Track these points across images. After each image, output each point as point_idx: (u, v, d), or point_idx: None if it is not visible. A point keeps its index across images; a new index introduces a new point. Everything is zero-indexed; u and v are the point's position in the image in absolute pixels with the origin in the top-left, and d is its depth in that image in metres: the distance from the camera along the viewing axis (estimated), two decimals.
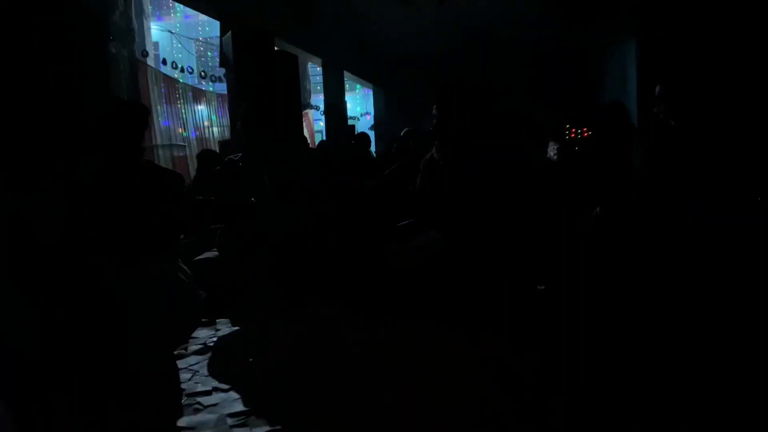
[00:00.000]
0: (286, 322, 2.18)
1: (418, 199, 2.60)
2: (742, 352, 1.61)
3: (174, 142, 6.26)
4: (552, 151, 4.79)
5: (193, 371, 1.74)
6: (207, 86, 9.70)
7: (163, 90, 6.13)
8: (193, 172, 6.24)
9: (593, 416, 1.35)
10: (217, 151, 5.94)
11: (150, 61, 6.27)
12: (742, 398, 1.40)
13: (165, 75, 6.37)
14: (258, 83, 4.76)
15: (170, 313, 2.08)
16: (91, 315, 1.76)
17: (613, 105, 3.19)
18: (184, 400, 1.53)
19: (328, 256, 2.61)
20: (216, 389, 1.59)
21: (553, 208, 2.72)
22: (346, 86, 10.11)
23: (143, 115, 2.44)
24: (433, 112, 2.57)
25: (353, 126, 9.40)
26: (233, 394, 1.55)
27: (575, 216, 2.63)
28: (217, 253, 2.69)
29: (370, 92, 11.81)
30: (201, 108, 7.14)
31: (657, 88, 2.30)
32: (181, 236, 2.63)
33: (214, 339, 2.03)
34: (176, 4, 9.26)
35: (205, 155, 4.39)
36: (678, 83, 2.24)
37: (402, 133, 5.08)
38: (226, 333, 2.09)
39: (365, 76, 10.01)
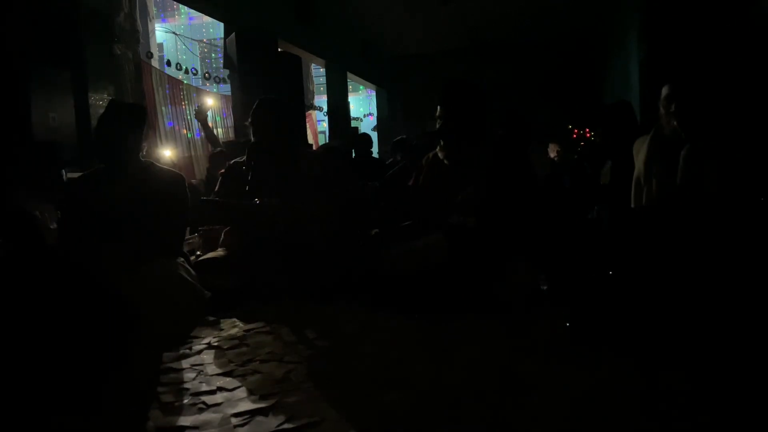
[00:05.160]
0: (291, 321, 2.18)
1: (417, 197, 2.61)
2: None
3: (178, 143, 6.29)
4: (552, 153, 4.80)
5: (198, 370, 1.75)
6: (211, 87, 9.72)
7: (167, 91, 6.16)
8: (197, 173, 6.26)
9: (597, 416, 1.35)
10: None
11: (154, 63, 6.30)
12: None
13: (169, 76, 6.39)
14: (261, 84, 4.77)
15: (173, 313, 2.10)
16: (95, 315, 1.77)
17: (618, 104, 3.19)
18: (188, 400, 1.54)
19: (333, 256, 2.61)
20: (220, 389, 1.60)
21: (557, 207, 2.73)
22: (349, 87, 10.12)
23: (143, 116, 2.45)
24: (437, 112, 2.57)
25: (356, 128, 9.41)
26: (237, 394, 1.56)
27: (578, 216, 2.63)
28: (221, 253, 2.70)
29: (373, 93, 11.81)
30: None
31: (663, 89, 2.30)
32: (186, 238, 2.65)
33: (219, 338, 2.04)
34: (181, 6, 9.29)
35: (217, 156, 4.42)
36: (682, 83, 2.24)
37: (394, 141, 5.07)
38: (230, 332, 2.10)
39: (368, 77, 10.01)
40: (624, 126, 2.91)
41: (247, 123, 2.92)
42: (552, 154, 4.79)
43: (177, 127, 6.38)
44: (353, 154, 5.35)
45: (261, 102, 2.82)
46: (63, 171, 2.74)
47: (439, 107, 2.57)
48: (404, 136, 5.21)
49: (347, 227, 2.81)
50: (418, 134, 4.88)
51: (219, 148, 4.78)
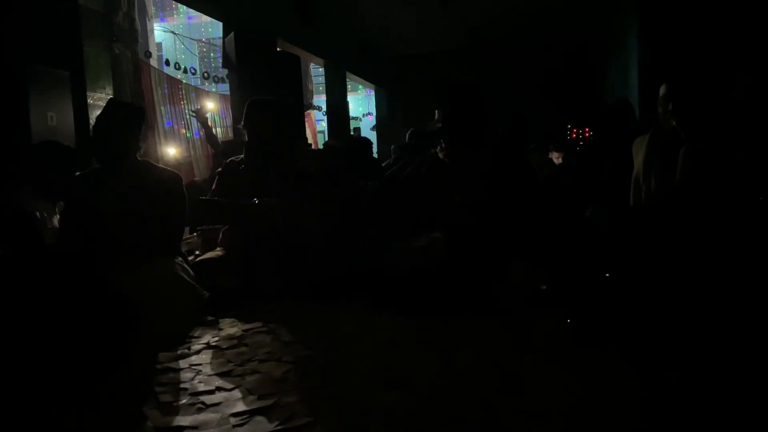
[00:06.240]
0: (290, 321, 2.18)
1: (418, 196, 2.60)
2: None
3: (177, 143, 6.29)
4: (557, 160, 4.79)
5: (196, 370, 1.74)
6: (210, 87, 9.72)
7: (166, 90, 6.15)
8: (197, 173, 6.26)
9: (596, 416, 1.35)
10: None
11: (153, 62, 6.30)
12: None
13: (168, 76, 6.39)
14: (260, 84, 4.77)
15: (172, 313, 2.10)
16: (94, 315, 1.77)
17: (619, 104, 3.18)
18: (187, 399, 1.53)
19: (332, 256, 2.61)
20: (219, 388, 1.59)
21: (557, 207, 2.72)
22: (348, 87, 10.11)
23: (141, 116, 2.45)
24: (437, 112, 2.57)
25: (358, 128, 9.40)
26: (236, 394, 1.55)
27: (577, 216, 2.63)
28: (220, 253, 2.69)
29: (372, 92, 11.81)
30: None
31: (661, 88, 2.30)
32: (185, 237, 2.65)
33: (218, 338, 2.04)
34: (179, 5, 9.28)
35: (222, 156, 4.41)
36: (680, 82, 2.24)
37: (408, 134, 5.10)
38: (229, 332, 2.10)
39: (368, 76, 10.01)
40: (624, 125, 2.91)
41: (240, 126, 2.91)
42: (556, 161, 4.79)
43: (176, 127, 6.37)
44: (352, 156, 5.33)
45: (254, 103, 2.80)
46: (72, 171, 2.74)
47: (436, 110, 2.57)
48: (414, 129, 5.23)
49: (347, 227, 2.80)
50: (420, 134, 4.88)
51: (221, 149, 4.77)
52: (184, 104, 6.55)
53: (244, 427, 1.37)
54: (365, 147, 4.97)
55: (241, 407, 1.46)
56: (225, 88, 7.07)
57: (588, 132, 7.35)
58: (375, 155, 7.30)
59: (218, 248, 2.75)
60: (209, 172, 5.37)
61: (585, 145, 6.60)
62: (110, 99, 3.00)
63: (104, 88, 4.25)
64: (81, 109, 3.76)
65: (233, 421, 1.39)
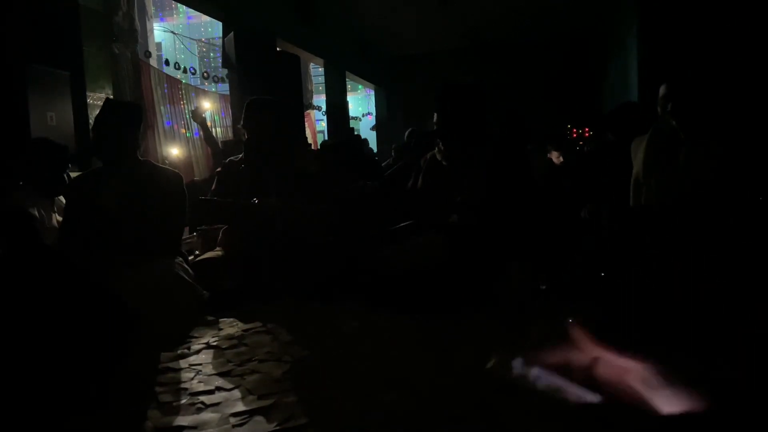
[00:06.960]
0: (290, 320, 2.18)
1: (417, 197, 2.60)
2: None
3: (177, 143, 6.28)
4: (556, 160, 4.79)
5: (196, 370, 1.74)
6: (210, 87, 9.72)
7: (165, 90, 6.15)
8: (197, 172, 6.26)
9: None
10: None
11: (153, 62, 6.30)
12: None
13: (168, 75, 6.39)
14: (260, 83, 4.76)
15: (172, 313, 2.10)
16: (94, 315, 1.77)
17: (626, 106, 3.18)
18: (187, 399, 1.53)
19: (332, 256, 2.61)
20: (219, 388, 1.59)
21: (556, 207, 2.72)
22: (348, 86, 10.11)
23: (139, 115, 2.45)
24: (436, 113, 2.57)
25: (352, 128, 9.42)
26: (236, 393, 1.55)
27: (577, 216, 2.63)
28: (220, 253, 2.69)
29: (372, 92, 11.81)
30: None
31: (661, 88, 2.30)
32: (185, 237, 2.65)
33: (217, 338, 2.04)
34: (179, 5, 9.28)
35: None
36: (680, 82, 2.24)
37: (406, 134, 5.10)
38: (229, 332, 2.09)
39: (367, 76, 10.01)
40: (633, 126, 2.89)
41: (239, 126, 2.90)
42: (556, 161, 4.79)
43: (176, 127, 6.37)
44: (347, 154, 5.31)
45: (254, 103, 2.79)
46: (67, 171, 2.74)
47: (435, 112, 2.57)
48: (414, 129, 5.22)
49: (347, 226, 2.80)
50: (420, 134, 4.87)
51: (220, 149, 4.75)
52: (183, 104, 6.55)
53: (244, 427, 1.37)
54: (351, 147, 4.92)
55: (240, 407, 1.46)
56: (225, 88, 7.07)
57: (588, 132, 7.35)
58: (375, 155, 7.31)
59: (218, 248, 2.74)
60: (209, 172, 5.36)
61: (585, 144, 6.60)
62: (107, 98, 3.00)
63: (104, 88, 4.26)
64: (81, 109, 3.76)
65: (233, 421, 1.39)
